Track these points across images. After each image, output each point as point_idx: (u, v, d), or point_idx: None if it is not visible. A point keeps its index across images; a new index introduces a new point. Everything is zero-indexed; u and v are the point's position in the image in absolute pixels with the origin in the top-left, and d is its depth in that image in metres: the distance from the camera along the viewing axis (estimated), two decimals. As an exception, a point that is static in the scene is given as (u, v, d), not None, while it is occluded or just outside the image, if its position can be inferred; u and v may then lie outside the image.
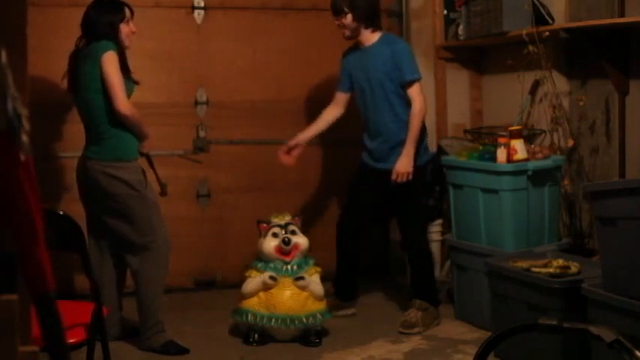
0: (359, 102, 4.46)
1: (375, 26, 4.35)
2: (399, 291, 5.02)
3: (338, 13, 4.29)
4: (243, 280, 4.15)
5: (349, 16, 4.27)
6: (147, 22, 4.79)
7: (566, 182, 4.40)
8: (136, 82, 3.96)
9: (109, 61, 3.73)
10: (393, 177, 4.21)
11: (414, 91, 4.25)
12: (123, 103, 3.74)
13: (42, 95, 4.58)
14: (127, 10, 3.92)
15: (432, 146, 5.28)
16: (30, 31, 1.26)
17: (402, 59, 4.25)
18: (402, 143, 4.23)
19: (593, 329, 1.47)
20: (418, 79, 4.27)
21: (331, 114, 4.54)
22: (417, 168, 4.28)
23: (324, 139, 5.03)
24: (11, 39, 1.20)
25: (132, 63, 4.04)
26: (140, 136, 3.91)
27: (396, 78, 4.27)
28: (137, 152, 3.94)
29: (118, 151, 3.84)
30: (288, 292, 4.03)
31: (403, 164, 4.20)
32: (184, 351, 3.94)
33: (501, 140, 4.15)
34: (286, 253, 4.09)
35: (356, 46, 4.44)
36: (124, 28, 3.89)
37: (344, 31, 4.34)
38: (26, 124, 1.09)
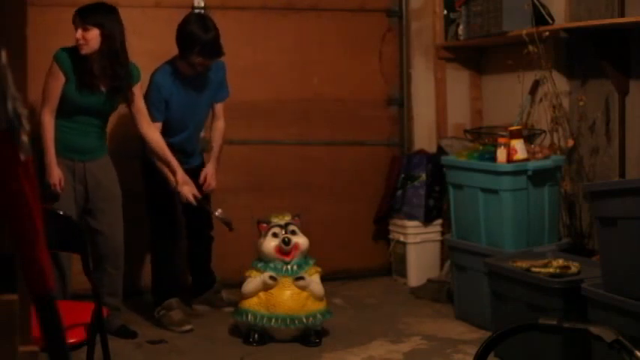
0: (174, 126, 4.33)
1: None
2: (399, 291, 5.02)
3: (221, 56, 4.28)
4: (243, 280, 4.15)
5: None
6: (147, 22, 4.80)
7: (566, 182, 4.40)
8: (95, 92, 3.93)
9: (48, 69, 3.89)
10: (209, 185, 4.46)
11: (222, 109, 4.53)
12: (43, 109, 3.85)
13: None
14: (74, 16, 3.90)
15: (432, 146, 5.29)
16: (30, 31, 1.26)
17: (224, 79, 4.46)
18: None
19: (593, 329, 1.47)
20: None
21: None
22: None
23: (323, 139, 5.02)
24: (11, 39, 1.20)
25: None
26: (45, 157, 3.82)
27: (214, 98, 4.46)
28: (62, 153, 3.87)
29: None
30: (288, 292, 4.03)
31: (215, 173, 4.52)
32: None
33: (501, 140, 4.15)
34: (286, 253, 4.09)
35: (178, 73, 4.30)
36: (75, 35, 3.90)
37: (204, 70, 4.28)
38: (26, 124, 1.09)
